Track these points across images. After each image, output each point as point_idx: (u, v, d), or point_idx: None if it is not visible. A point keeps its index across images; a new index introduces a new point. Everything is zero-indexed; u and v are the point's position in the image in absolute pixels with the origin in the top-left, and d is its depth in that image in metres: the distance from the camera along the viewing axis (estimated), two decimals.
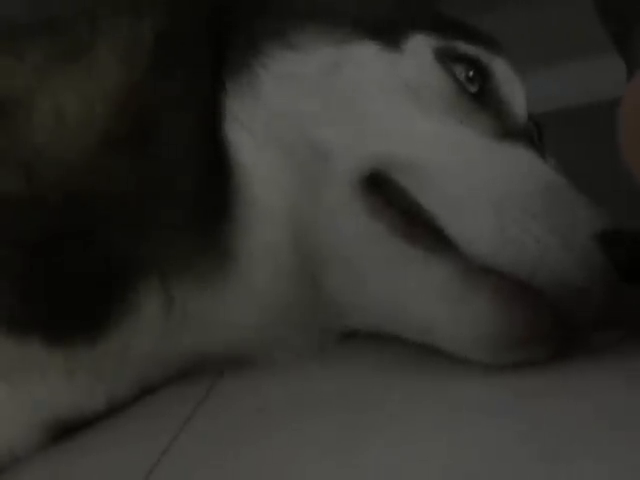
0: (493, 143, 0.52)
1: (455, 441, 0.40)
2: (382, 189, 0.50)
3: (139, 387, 0.54)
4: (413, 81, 0.53)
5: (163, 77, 0.53)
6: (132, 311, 0.50)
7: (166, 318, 0.52)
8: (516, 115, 0.56)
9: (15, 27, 0.57)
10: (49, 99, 0.52)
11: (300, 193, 0.52)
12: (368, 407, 0.46)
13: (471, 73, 0.54)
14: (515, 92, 0.56)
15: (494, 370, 0.45)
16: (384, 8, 0.60)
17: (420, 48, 0.55)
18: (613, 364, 0.45)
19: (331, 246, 0.52)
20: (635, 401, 0.40)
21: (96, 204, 0.50)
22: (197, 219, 0.52)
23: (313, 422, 0.45)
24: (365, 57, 0.54)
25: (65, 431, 0.51)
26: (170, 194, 0.51)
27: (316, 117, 0.52)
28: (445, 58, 0.54)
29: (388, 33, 0.55)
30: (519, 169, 0.50)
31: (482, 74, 0.55)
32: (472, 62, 0.55)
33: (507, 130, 0.54)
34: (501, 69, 0.56)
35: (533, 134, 0.58)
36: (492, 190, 0.47)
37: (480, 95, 0.54)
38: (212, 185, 0.52)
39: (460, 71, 0.54)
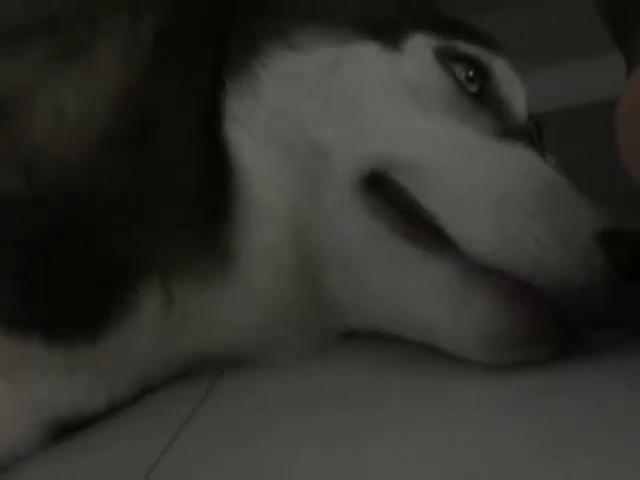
0: (493, 142, 0.52)
1: (455, 440, 0.40)
2: (382, 189, 0.50)
3: (139, 386, 0.54)
4: (413, 81, 0.53)
5: (163, 76, 0.53)
6: (132, 311, 0.50)
7: (166, 318, 0.52)
8: (516, 114, 0.56)
9: (15, 27, 0.57)
10: (49, 98, 0.52)
11: (300, 193, 0.52)
12: (368, 406, 0.46)
13: (471, 73, 0.54)
14: (515, 92, 0.56)
15: (494, 369, 0.45)
16: (384, 8, 0.60)
17: (420, 48, 0.55)
18: (613, 364, 0.45)
19: (331, 246, 0.52)
20: (635, 401, 0.40)
21: (96, 204, 0.50)
22: (197, 219, 0.52)
23: (313, 422, 0.45)
24: (365, 57, 0.54)
25: (65, 430, 0.51)
26: (170, 194, 0.51)
27: (316, 117, 0.52)
28: (445, 58, 0.54)
29: (388, 33, 0.55)
30: (519, 168, 0.50)
31: (482, 74, 0.55)
32: (472, 62, 0.55)
33: (507, 129, 0.54)
34: (501, 69, 0.56)
35: (533, 133, 0.58)
36: (492, 189, 0.47)
37: (480, 95, 0.54)
38: (212, 185, 0.52)
39: (460, 71, 0.54)
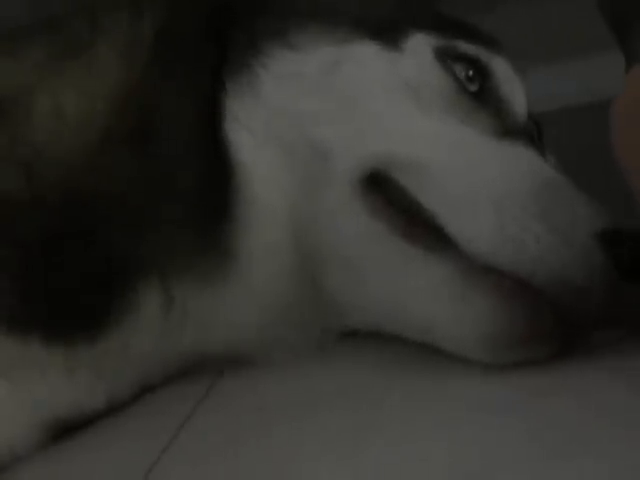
0: (493, 142, 0.52)
1: (455, 440, 0.40)
2: (382, 188, 0.50)
3: (139, 386, 0.54)
4: (413, 80, 0.53)
5: (163, 75, 0.53)
6: (132, 310, 0.50)
7: (166, 317, 0.52)
8: (516, 114, 0.56)
9: (15, 27, 0.57)
10: (49, 98, 0.52)
11: (300, 192, 0.52)
12: (368, 406, 0.46)
13: (471, 72, 0.54)
14: (515, 91, 0.56)
15: (494, 369, 0.45)
16: (384, 8, 0.60)
17: (420, 47, 0.55)
18: (613, 364, 0.45)
19: (331, 246, 0.52)
20: (635, 401, 0.40)
21: (96, 203, 0.50)
22: (197, 219, 0.52)
23: (313, 421, 0.45)
24: (365, 56, 0.54)
25: (65, 430, 0.51)
26: (170, 193, 0.51)
27: (316, 116, 0.52)
28: (445, 57, 0.54)
29: (388, 32, 0.55)
30: (519, 168, 0.50)
31: (482, 73, 0.55)
32: (472, 61, 0.55)
33: (507, 129, 0.54)
34: (501, 68, 0.56)
35: (533, 133, 0.58)
36: (492, 189, 0.47)
37: (480, 94, 0.54)
38: (212, 185, 0.52)
39: (460, 70, 0.54)
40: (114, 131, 0.52)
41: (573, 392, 0.43)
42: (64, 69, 0.53)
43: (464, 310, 0.46)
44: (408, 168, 0.50)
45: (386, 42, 0.54)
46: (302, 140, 0.52)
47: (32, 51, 0.54)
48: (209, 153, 0.53)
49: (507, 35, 0.59)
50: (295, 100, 0.53)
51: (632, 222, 0.47)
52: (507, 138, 0.53)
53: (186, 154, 0.52)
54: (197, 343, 0.53)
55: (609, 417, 0.39)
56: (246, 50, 0.55)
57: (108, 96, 0.52)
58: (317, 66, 0.54)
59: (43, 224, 0.49)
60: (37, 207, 0.49)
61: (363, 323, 0.54)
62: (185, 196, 0.52)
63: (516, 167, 0.50)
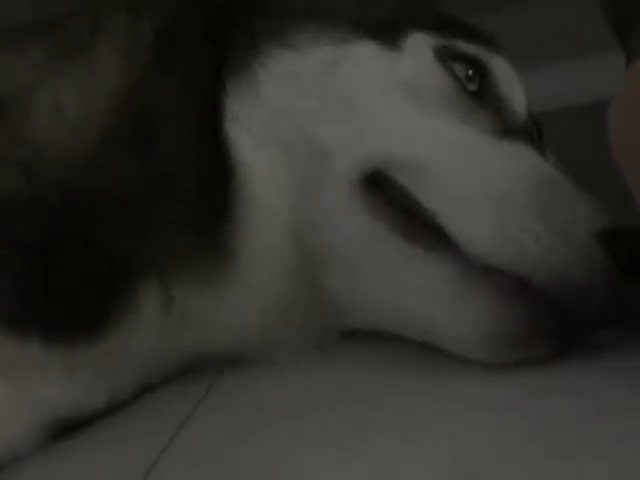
0: (493, 141, 0.52)
1: (455, 440, 0.40)
2: (382, 188, 0.50)
3: (139, 385, 0.54)
4: (413, 80, 0.53)
5: (164, 75, 0.53)
6: (132, 310, 0.50)
7: (165, 317, 0.52)
8: (516, 113, 0.56)
9: (16, 27, 0.57)
10: (50, 98, 0.52)
11: (300, 192, 0.52)
12: (368, 405, 0.46)
13: (470, 72, 0.54)
14: (514, 90, 0.56)
15: (494, 369, 0.45)
16: (384, 7, 0.60)
17: (419, 47, 0.55)
18: (613, 363, 0.45)
19: (331, 246, 0.52)
20: (635, 400, 0.40)
21: (96, 203, 0.50)
22: (197, 219, 0.52)
23: (313, 420, 0.45)
24: (364, 56, 0.54)
25: (65, 429, 0.51)
26: (171, 193, 0.51)
27: (315, 116, 0.52)
28: (444, 57, 0.54)
29: (387, 32, 0.55)
30: (519, 167, 0.50)
31: (481, 72, 0.55)
32: (471, 61, 0.55)
33: (507, 128, 0.54)
34: (500, 67, 0.56)
35: (533, 132, 0.58)
36: (492, 188, 0.47)
37: (479, 93, 0.54)
38: (212, 185, 0.52)
39: (459, 69, 0.54)
40: (114, 131, 0.52)
41: (573, 391, 0.43)
42: (65, 69, 0.53)
43: (464, 310, 0.46)
44: (408, 168, 0.50)
45: (385, 42, 0.54)
46: (301, 140, 0.52)
47: (33, 51, 0.54)
48: (209, 153, 0.53)
49: (507, 35, 0.59)
50: (294, 100, 0.53)
51: (632, 221, 0.47)
52: (507, 137, 0.53)
53: (186, 154, 0.52)
54: (197, 343, 0.53)
55: (609, 416, 0.39)
56: (245, 50, 0.55)
57: (109, 96, 0.52)
58: (316, 66, 0.54)
59: (43, 224, 0.49)
60: (37, 207, 0.49)
61: (363, 323, 0.54)
62: (185, 196, 0.52)
63: (516, 166, 0.50)
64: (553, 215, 0.45)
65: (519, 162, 0.51)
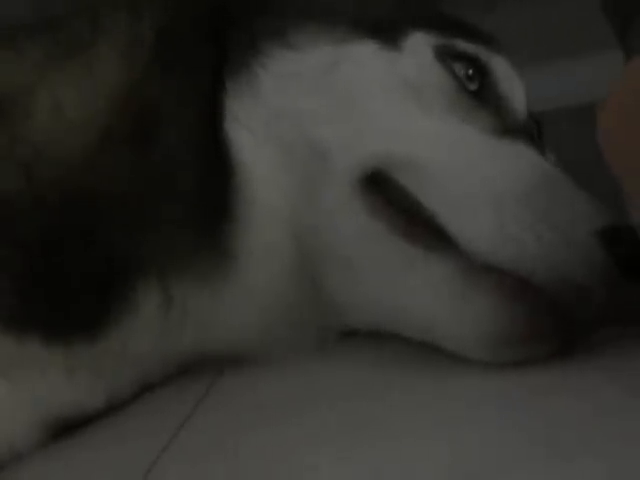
0: (493, 140, 0.52)
1: (455, 439, 0.40)
2: (382, 188, 0.50)
3: (139, 385, 0.54)
4: (413, 79, 0.53)
5: (164, 75, 0.53)
6: (131, 310, 0.50)
7: (165, 317, 0.52)
8: (516, 112, 0.56)
9: (16, 26, 0.57)
10: (49, 98, 0.52)
11: (300, 192, 0.52)
12: (368, 404, 0.46)
13: (470, 71, 0.54)
14: (514, 89, 0.56)
15: (494, 368, 0.45)
16: (383, 7, 0.60)
17: (419, 46, 0.55)
18: (613, 363, 0.45)
19: (331, 245, 0.52)
20: (635, 400, 0.40)
21: (96, 203, 0.50)
22: (197, 218, 0.52)
23: (313, 419, 0.45)
24: (364, 55, 0.54)
25: (65, 428, 0.51)
26: (171, 193, 0.51)
27: (315, 116, 0.52)
28: (444, 56, 0.54)
29: (387, 32, 0.55)
30: (519, 166, 0.50)
31: (481, 72, 0.55)
32: (471, 60, 0.55)
33: (507, 127, 0.54)
34: (500, 67, 0.56)
35: (533, 131, 0.58)
36: (492, 188, 0.47)
37: (479, 93, 0.54)
38: (212, 184, 0.52)
39: (459, 69, 0.54)
40: (114, 131, 0.52)
41: (573, 391, 0.43)
42: (64, 69, 0.53)
43: (464, 309, 0.46)
44: (408, 167, 0.50)
45: (385, 41, 0.54)
46: (301, 140, 0.52)
47: (33, 51, 0.54)
48: (209, 153, 0.53)
49: (507, 35, 0.59)
50: (294, 100, 0.53)
51: (631, 221, 0.47)
52: (507, 136, 0.53)
53: (186, 154, 0.52)
54: (197, 343, 0.53)
55: (609, 416, 0.39)
56: (245, 50, 0.55)
57: (109, 96, 0.52)
58: (316, 66, 0.54)
59: (43, 224, 0.49)
60: (37, 207, 0.49)
61: (363, 323, 0.54)
62: (185, 196, 0.52)
63: (516, 166, 0.50)
64: (553, 214, 0.45)
65: (519, 161, 0.51)
